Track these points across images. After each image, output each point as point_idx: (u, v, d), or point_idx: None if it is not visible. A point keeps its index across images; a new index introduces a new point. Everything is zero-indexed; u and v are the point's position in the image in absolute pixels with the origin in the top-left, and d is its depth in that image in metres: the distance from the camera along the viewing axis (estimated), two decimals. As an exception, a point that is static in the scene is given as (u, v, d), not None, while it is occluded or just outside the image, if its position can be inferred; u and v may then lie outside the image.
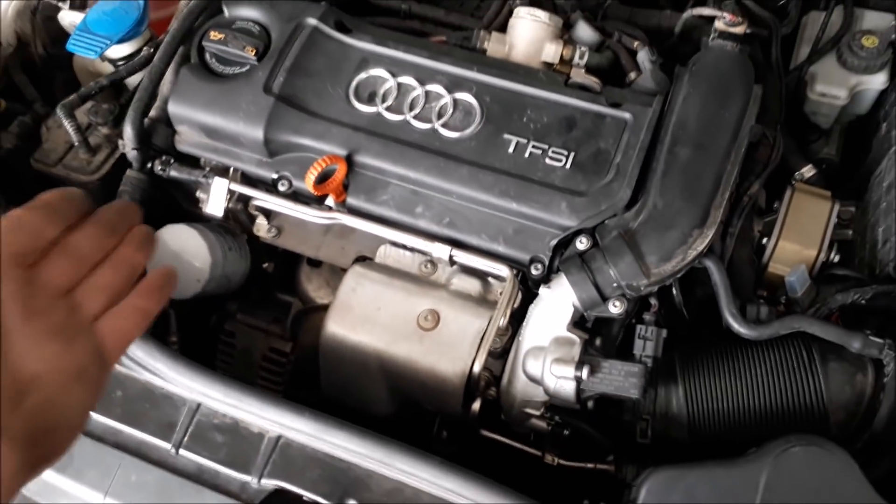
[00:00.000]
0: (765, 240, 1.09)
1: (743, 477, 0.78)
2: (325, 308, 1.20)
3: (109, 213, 0.75)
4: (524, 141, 1.03)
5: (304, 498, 0.87)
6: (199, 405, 0.91)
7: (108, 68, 1.31)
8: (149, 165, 1.14)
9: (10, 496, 0.58)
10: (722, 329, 1.02)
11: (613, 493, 1.01)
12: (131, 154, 1.13)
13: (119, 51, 1.23)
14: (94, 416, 0.93)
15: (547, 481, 1.04)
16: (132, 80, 1.25)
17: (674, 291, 1.00)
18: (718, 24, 1.08)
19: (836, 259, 1.09)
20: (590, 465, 1.02)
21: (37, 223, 0.69)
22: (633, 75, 1.14)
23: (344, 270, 1.22)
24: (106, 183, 1.18)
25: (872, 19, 1.25)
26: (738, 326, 0.93)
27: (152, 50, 1.21)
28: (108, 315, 0.70)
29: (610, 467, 1.01)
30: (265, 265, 1.25)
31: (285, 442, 0.89)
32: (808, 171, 1.16)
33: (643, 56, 1.13)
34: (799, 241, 1.07)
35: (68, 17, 1.29)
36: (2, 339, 0.60)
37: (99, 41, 1.19)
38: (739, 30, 1.07)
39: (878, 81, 1.19)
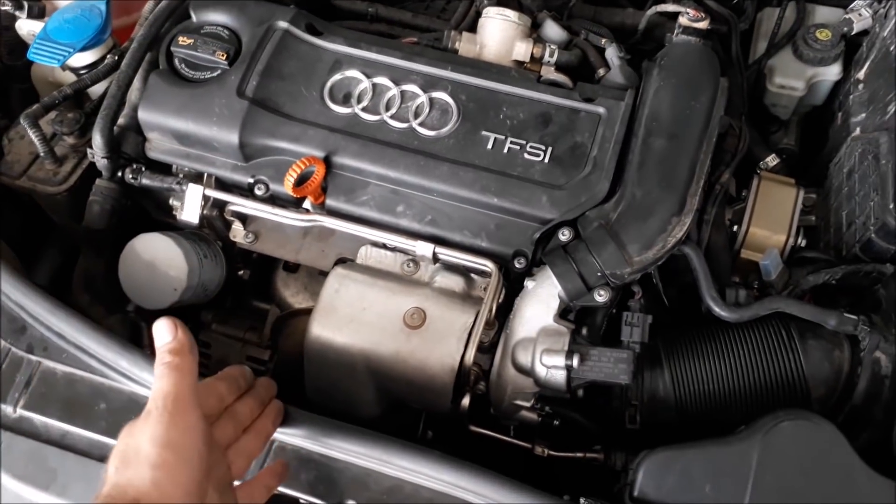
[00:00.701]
0: (735, 227, 1.12)
1: (736, 454, 0.80)
2: (305, 312, 1.20)
3: (261, 390, 0.90)
4: (502, 137, 1.04)
5: (301, 501, 0.86)
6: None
7: (70, 77, 1.28)
8: (119, 174, 1.12)
9: None
10: (701, 314, 1.05)
11: (603, 481, 1.03)
12: (101, 163, 1.10)
13: (82, 59, 1.21)
14: (78, 430, 0.90)
15: (537, 474, 1.05)
16: (95, 89, 1.22)
17: (654, 279, 1.02)
18: (682, 20, 1.12)
19: (803, 243, 1.13)
20: (579, 455, 1.03)
21: (222, 392, 0.84)
22: (601, 71, 1.17)
23: (323, 274, 1.22)
24: (74, 194, 1.15)
25: (824, 14, 1.31)
26: (719, 310, 0.96)
27: (116, 57, 1.19)
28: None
29: (599, 456, 1.02)
30: (240, 272, 1.23)
31: (279, 446, 0.88)
32: (771, 160, 1.20)
33: (611, 52, 1.15)
34: (768, 227, 1.11)
35: (26, 27, 1.25)
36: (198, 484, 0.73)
37: (61, 49, 1.17)
38: (703, 25, 1.11)
39: (832, 72, 1.24)
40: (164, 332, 0.79)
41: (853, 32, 1.24)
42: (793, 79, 1.24)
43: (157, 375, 0.76)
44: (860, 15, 1.23)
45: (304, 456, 0.87)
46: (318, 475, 0.86)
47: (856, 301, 1.05)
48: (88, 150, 1.11)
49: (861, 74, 1.19)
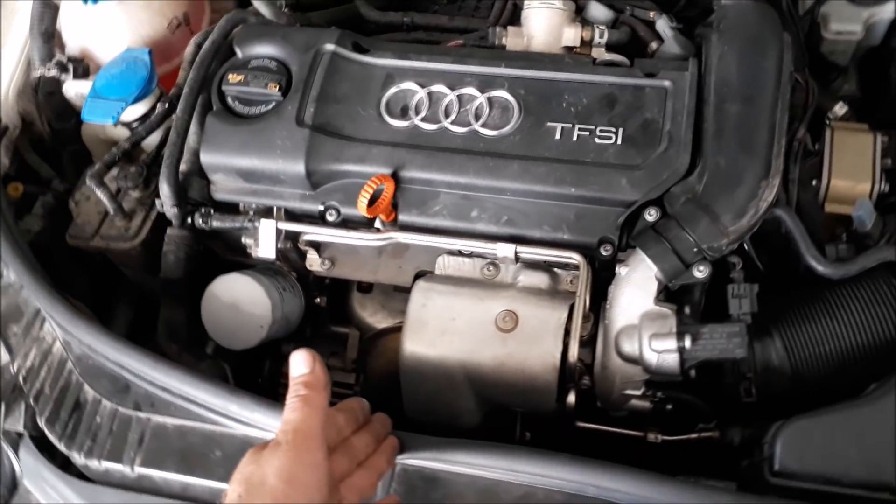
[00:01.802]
0: (814, 181, 1.09)
1: (877, 413, 0.77)
2: (390, 331, 1.19)
3: (377, 425, 0.89)
4: (569, 126, 1.02)
5: (432, 521, 0.85)
6: (303, 448, 0.88)
7: (121, 132, 1.29)
8: (189, 221, 1.12)
9: None
10: (796, 276, 1.03)
11: (720, 460, 1.01)
12: (171, 212, 1.10)
13: (133, 112, 1.21)
14: (198, 481, 0.90)
15: (650, 462, 1.02)
16: (149, 141, 1.23)
17: (746, 247, 0.99)
18: (732, -20, 1.09)
19: (887, 189, 1.10)
20: (693, 436, 1.01)
21: (341, 424, 0.84)
22: (654, 45, 1.15)
23: (399, 290, 1.21)
24: (147, 247, 1.16)
25: (869, -47, 1.26)
26: (823, 268, 0.93)
27: (167, 105, 1.19)
28: None
29: (714, 434, 1.00)
30: (317, 300, 1.23)
31: (402, 468, 0.87)
32: (839, 108, 1.17)
33: (663, 24, 1.13)
34: (850, 176, 1.08)
35: (73, 88, 1.26)
36: None
37: (113, 106, 1.17)
38: (753, -18, 1.08)
39: (888, 10, 1.21)
40: (301, 363, 0.79)
41: (903, -34, 1.20)
42: (849, 23, 1.21)
43: (289, 407, 0.76)
44: (911, -52, 1.20)
45: (428, 476, 0.86)
46: (447, 493, 0.84)
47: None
48: (157, 201, 1.11)
49: (921, 7, 1.15)
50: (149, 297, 1.34)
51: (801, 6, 1.28)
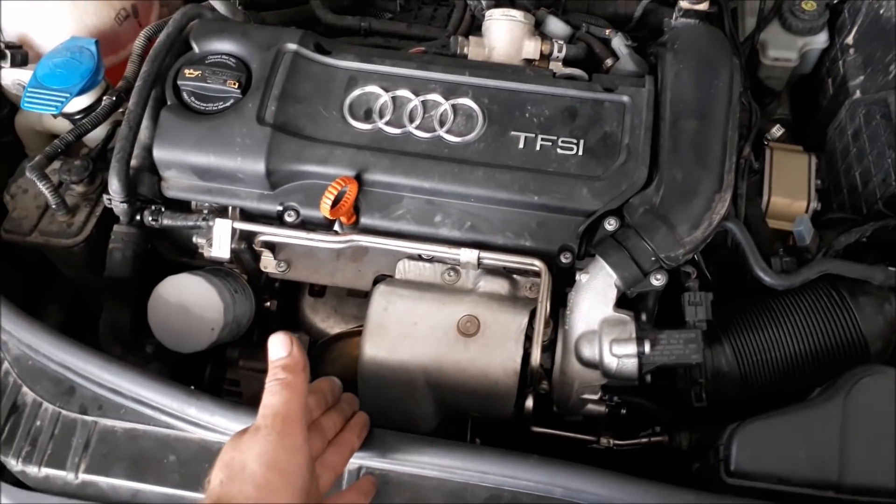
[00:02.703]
0: (756, 198, 1.15)
1: (824, 416, 0.82)
2: (346, 336, 1.18)
3: (345, 404, 0.90)
4: (532, 135, 1.04)
5: (398, 525, 0.84)
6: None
7: (59, 124, 1.23)
8: (138, 218, 1.08)
9: None
10: (741, 287, 1.08)
11: (671, 463, 1.04)
12: (119, 208, 1.06)
13: (77, 103, 1.16)
14: (150, 487, 0.86)
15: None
16: (92, 135, 1.17)
17: (697, 257, 1.03)
18: (683, 3, 1.14)
19: (819, 207, 1.17)
20: (644, 441, 1.04)
21: (311, 406, 0.83)
22: (609, 62, 1.19)
23: (353, 294, 1.20)
24: (90, 244, 1.11)
25: (803, -15, 1.35)
26: (770, 279, 0.98)
27: (114, 98, 1.14)
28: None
29: (664, 438, 1.03)
30: (267, 304, 1.20)
31: (368, 471, 0.86)
32: (777, 130, 1.24)
33: (618, 42, 1.17)
34: (789, 194, 1.15)
35: (10, 76, 1.20)
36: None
37: (57, 96, 1.12)
38: (704, 6, 1.14)
39: (821, 40, 1.29)
40: (279, 347, 0.78)
41: (835, 0, 1.29)
42: (785, 50, 1.28)
43: (268, 391, 0.75)
44: (841, -17, 1.28)
45: (394, 480, 0.85)
46: (413, 496, 0.84)
47: (881, 256, 1.08)
48: (105, 196, 1.07)
49: (850, 40, 1.24)
50: (84, 298, 1.28)
51: (741, 33, 1.35)
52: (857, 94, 1.19)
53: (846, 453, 0.81)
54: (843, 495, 0.81)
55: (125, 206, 1.06)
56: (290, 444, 0.72)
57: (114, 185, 1.04)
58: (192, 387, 1.21)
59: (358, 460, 0.85)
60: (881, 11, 1.15)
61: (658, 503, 0.78)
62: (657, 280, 0.96)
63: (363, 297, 1.14)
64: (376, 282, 1.09)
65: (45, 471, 0.89)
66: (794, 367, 0.98)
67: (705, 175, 0.97)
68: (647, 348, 0.92)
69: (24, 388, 0.93)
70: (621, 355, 0.93)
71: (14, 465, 0.90)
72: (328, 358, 1.19)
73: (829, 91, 1.30)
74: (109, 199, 1.06)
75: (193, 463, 0.87)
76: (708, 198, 0.97)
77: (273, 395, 0.74)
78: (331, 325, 1.22)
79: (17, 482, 0.91)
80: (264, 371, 1.21)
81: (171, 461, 0.87)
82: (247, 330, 1.18)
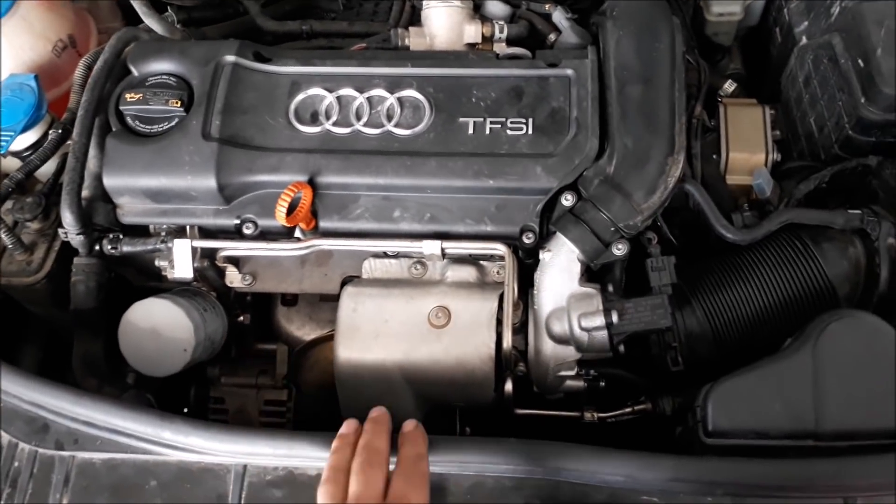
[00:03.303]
0: (714, 156, 1.15)
1: (795, 366, 0.82)
2: (321, 341, 1.18)
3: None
4: (480, 120, 1.04)
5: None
6: (245, 467, 0.86)
7: (7, 163, 1.21)
8: (97, 248, 1.07)
9: None
10: (706, 247, 1.08)
11: (656, 430, 1.04)
12: (76, 240, 1.05)
13: (23, 141, 1.14)
14: (134, 515, 0.86)
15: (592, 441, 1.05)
16: (43, 170, 1.16)
17: (658, 222, 1.03)
18: (620, -30, 1.13)
19: (779, 158, 1.17)
20: (627, 410, 1.04)
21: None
22: (552, 36, 1.18)
23: (325, 299, 1.20)
24: (53, 279, 1.10)
25: (741, -62, 1.34)
26: (732, 236, 0.98)
27: (60, 131, 1.13)
28: None
29: (647, 406, 1.03)
30: (240, 318, 1.19)
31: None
32: (729, 86, 1.24)
33: (559, 16, 1.17)
34: (746, 149, 1.14)
35: (-48, 119, 1.18)
36: None
37: (1, 136, 1.10)
38: (640, -29, 1.13)
39: (764, -8, 1.28)
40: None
41: (773, -51, 1.28)
42: (729, 5, 1.28)
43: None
44: (776, -68, 1.28)
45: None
46: (396, 493, 0.83)
47: (845, 199, 1.08)
48: (60, 231, 1.06)
49: (792, -13, 1.23)
50: (58, 334, 1.28)
51: (684, -8, 1.35)
52: (804, 39, 1.18)
53: (820, 400, 0.81)
54: (821, 443, 0.81)
55: (82, 237, 1.05)
56: None
57: (67, 218, 1.03)
58: (186, 409, 1.23)
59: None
60: (817, -44, 1.14)
61: (636, 472, 0.78)
62: (619, 250, 0.96)
63: (336, 300, 1.14)
64: (344, 283, 1.09)
65: (29, 511, 0.88)
66: (766, 320, 0.98)
67: (655, 140, 0.97)
68: (614, 318, 0.91)
69: (-1, 431, 0.92)
70: (591, 328, 0.93)
71: (-3, 509, 0.90)
72: (306, 365, 1.19)
73: (777, 40, 1.29)
74: (65, 233, 1.05)
75: (174, 485, 0.86)
76: (660, 162, 0.96)
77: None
78: (307, 333, 1.21)
79: (3, 526, 0.90)
80: (246, 385, 1.24)
81: (153, 486, 0.87)
82: (224, 346, 1.17)
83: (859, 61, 1.00)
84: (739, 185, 1.14)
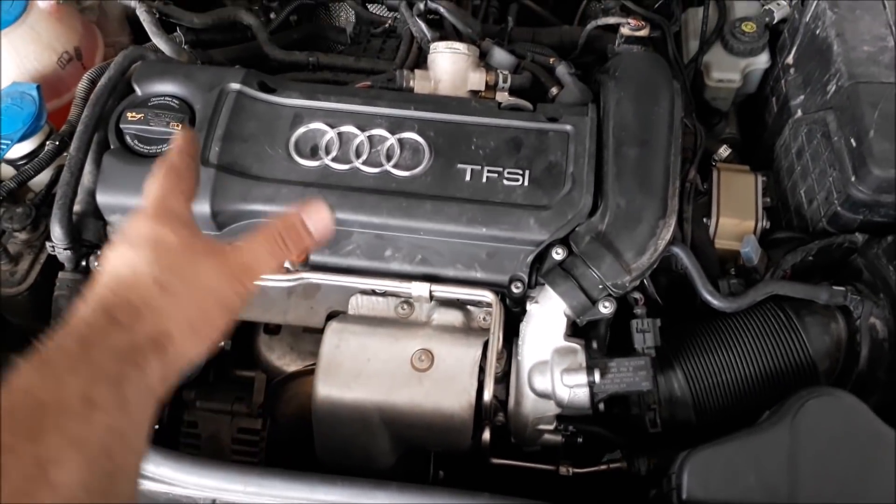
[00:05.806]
0: (704, 219, 1.16)
1: (772, 440, 0.82)
2: (301, 374, 1.17)
3: None
4: (478, 167, 1.05)
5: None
6: (213, 501, 0.85)
7: (3, 171, 1.21)
8: (83, 263, 1.06)
9: None
10: (689, 309, 1.09)
11: (631, 489, 1.04)
12: (63, 255, 1.04)
13: (20, 150, 1.14)
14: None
15: (564, 496, 1.04)
16: (36, 180, 1.16)
17: (646, 283, 1.04)
18: (624, 30, 1.16)
19: (767, 226, 1.18)
20: (603, 467, 1.04)
21: None
22: (554, 90, 1.20)
23: (309, 331, 1.19)
24: (35, 292, 1.09)
25: (743, 7, 1.38)
26: (717, 302, 0.99)
27: (57, 143, 1.13)
28: None
29: (622, 464, 1.03)
30: (221, 343, 1.18)
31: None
32: (724, 150, 1.26)
33: (562, 70, 1.18)
34: (736, 214, 1.16)
35: (-50, 124, 1.18)
36: None
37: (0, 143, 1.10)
38: (644, 33, 1.16)
39: (762, 61, 1.32)
40: None
41: (775, 21, 1.31)
42: (729, 72, 1.31)
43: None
44: (779, 4, 1.31)
45: (346, 523, 0.84)
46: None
47: (829, 275, 1.10)
48: (48, 243, 1.05)
49: (790, 60, 1.26)
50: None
51: (685, 55, 1.38)
52: (799, 112, 1.21)
53: (795, 477, 0.81)
54: (794, 519, 0.81)
55: (69, 252, 1.04)
56: None
57: (56, 232, 1.02)
58: (157, 426, 1.21)
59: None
60: (817, 32, 1.17)
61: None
62: (605, 308, 0.96)
63: (320, 332, 1.13)
64: (330, 318, 1.08)
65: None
66: (746, 390, 0.98)
67: (649, 202, 0.98)
68: (597, 377, 0.92)
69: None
70: (572, 385, 0.93)
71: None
72: (284, 397, 1.18)
73: (773, 109, 1.32)
74: (53, 247, 1.04)
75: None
76: (652, 224, 0.98)
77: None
78: (287, 363, 1.20)
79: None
80: (221, 411, 1.23)
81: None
82: (202, 370, 1.16)
83: (852, 141, 1.03)
84: (728, 250, 1.16)
